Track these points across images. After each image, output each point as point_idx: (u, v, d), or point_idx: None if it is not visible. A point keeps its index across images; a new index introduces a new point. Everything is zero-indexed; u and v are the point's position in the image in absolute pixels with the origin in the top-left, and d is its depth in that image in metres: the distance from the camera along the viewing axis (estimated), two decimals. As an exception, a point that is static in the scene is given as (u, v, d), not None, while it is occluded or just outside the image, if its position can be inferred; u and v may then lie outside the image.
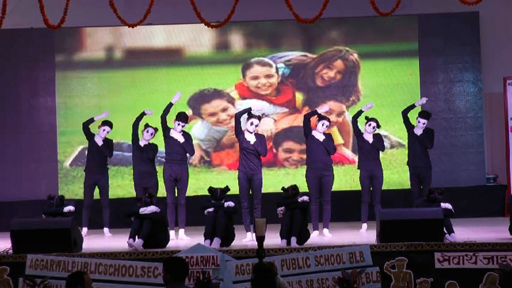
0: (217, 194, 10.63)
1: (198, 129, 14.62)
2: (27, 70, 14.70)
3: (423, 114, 12.49)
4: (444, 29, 14.51)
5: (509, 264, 9.42)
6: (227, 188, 10.73)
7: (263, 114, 13.95)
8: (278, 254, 9.76)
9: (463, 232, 10.95)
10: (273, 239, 10.71)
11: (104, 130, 12.68)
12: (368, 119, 12.36)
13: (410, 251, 9.66)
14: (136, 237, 10.40)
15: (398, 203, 13.08)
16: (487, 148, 14.48)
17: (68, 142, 14.57)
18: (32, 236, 10.04)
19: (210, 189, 10.76)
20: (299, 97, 14.69)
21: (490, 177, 14.33)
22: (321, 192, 11.80)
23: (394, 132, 14.36)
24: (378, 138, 12.35)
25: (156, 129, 12.31)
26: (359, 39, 14.72)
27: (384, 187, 12.65)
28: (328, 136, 12.01)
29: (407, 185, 12.87)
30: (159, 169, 12.33)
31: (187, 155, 12.16)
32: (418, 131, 12.44)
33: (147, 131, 12.27)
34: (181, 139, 11.93)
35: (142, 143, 12.30)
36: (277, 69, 14.74)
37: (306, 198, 10.61)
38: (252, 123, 11.53)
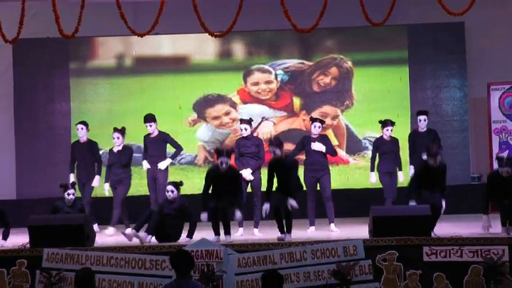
0: (224, 154, 10.55)
1: (202, 132, 14.64)
2: (43, 77, 14.71)
3: (422, 112, 12.35)
4: (432, 38, 14.52)
5: (492, 258, 9.44)
6: (233, 149, 10.76)
7: (263, 117, 13.97)
8: (277, 248, 9.77)
9: (449, 227, 10.96)
10: (273, 234, 10.77)
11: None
12: (384, 124, 12.09)
13: (400, 245, 9.67)
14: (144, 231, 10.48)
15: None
16: (471, 149, 14.48)
17: (82, 144, 14.58)
18: (48, 232, 10.06)
19: (217, 150, 10.72)
20: (297, 102, 14.70)
21: (475, 177, 14.32)
22: (320, 191, 11.75)
23: (386, 135, 14.34)
24: (395, 143, 12.14)
25: (121, 131, 12.08)
26: (353, 47, 14.74)
27: (376, 185, 12.59)
28: (326, 139, 11.93)
29: (399, 183, 12.73)
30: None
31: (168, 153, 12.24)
32: (422, 129, 12.28)
33: (113, 137, 12.09)
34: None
35: (115, 149, 12.13)
36: (276, 75, 14.74)
37: (294, 204, 10.47)
38: (242, 129, 11.47)
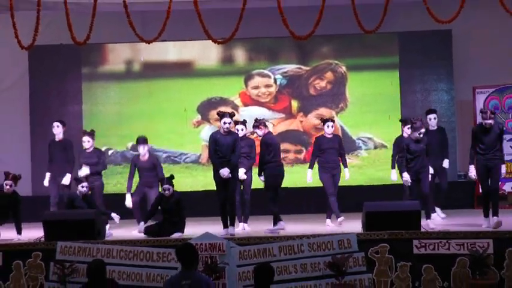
0: (227, 115, 10.54)
1: (206, 133, 14.62)
2: (57, 81, 14.73)
3: (431, 110, 12.18)
4: (421, 45, 14.54)
5: (478, 250, 9.47)
6: (233, 113, 10.74)
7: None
8: (276, 241, 9.81)
9: (437, 222, 10.96)
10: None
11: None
12: (405, 123, 11.74)
13: (391, 239, 9.69)
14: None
15: (384, 196, 12.90)
16: (458, 149, 14.48)
17: (93, 144, 14.60)
18: (61, 226, 10.10)
19: (219, 112, 10.71)
20: (294, 104, 14.73)
21: (461, 174, 14.32)
22: None
23: (378, 135, 14.39)
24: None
25: (90, 134, 11.67)
26: (347, 53, 14.77)
27: (369, 183, 12.60)
28: (339, 139, 11.82)
29: (390, 181, 12.72)
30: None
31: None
32: (433, 127, 12.04)
33: (83, 141, 11.70)
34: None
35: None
36: (275, 79, 14.77)
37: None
38: (238, 130, 11.43)
